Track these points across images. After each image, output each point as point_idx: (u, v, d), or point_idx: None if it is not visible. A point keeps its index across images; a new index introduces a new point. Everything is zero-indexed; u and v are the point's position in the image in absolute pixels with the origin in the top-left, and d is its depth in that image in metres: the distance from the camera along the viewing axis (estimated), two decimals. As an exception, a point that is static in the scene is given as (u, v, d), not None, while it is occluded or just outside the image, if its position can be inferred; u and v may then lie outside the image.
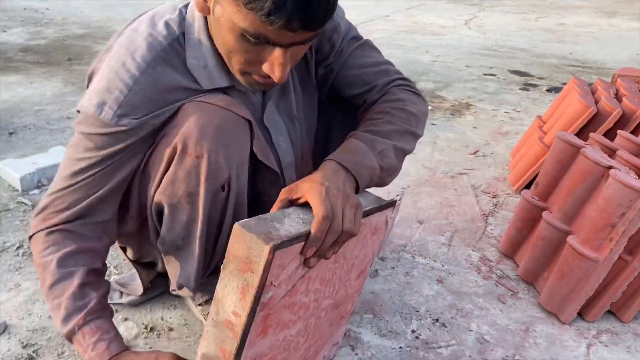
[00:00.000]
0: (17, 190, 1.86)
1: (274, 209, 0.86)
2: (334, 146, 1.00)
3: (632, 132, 1.75)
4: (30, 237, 1.01)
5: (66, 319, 0.93)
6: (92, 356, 0.90)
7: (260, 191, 1.11)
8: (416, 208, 1.84)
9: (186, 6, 0.97)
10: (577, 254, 1.28)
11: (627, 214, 1.21)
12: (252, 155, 1.01)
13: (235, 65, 0.90)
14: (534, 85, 3.40)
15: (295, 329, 0.94)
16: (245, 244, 0.75)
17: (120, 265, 1.49)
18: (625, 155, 1.37)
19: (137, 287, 1.30)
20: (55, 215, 0.98)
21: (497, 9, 6.82)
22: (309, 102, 1.16)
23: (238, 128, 0.95)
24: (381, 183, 1.01)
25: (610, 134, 1.71)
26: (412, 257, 1.57)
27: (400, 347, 1.23)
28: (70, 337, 0.94)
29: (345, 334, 1.16)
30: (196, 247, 1.02)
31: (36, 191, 1.86)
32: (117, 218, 1.06)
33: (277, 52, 0.82)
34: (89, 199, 0.97)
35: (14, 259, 1.49)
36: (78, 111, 0.95)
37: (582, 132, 1.82)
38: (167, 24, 0.94)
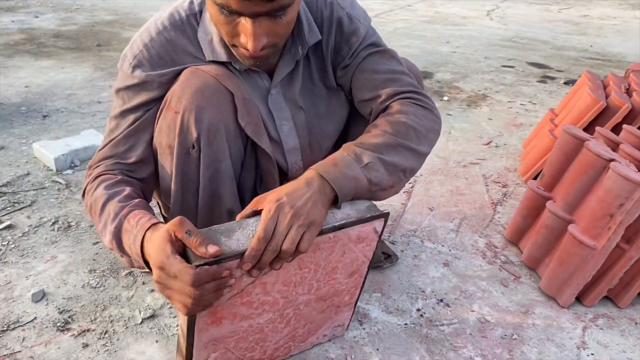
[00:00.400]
0: (51, 170, 1.98)
1: (238, 217, 0.91)
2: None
3: (640, 127, 1.80)
4: (83, 195, 1.09)
5: (114, 219, 0.96)
6: (137, 230, 0.92)
7: (263, 170, 1.19)
8: (427, 195, 1.92)
9: None
10: (577, 241, 1.35)
11: (625, 204, 1.28)
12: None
13: (224, 38, 0.99)
14: (552, 78, 3.43)
15: (264, 319, 1.03)
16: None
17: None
18: (627, 149, 1.43)
19: None
20: (98, 167, 1.09)
21: (521, -1, 6.79)
22: (326, 99, 1.21)
23: (217, 96, 1.02)
24: (374, 197, 1.02)
25: (619, 128, 1.76)
26: (421, 241, 1.65)
27: (405, 324, 1.32)
28: (118, 233, 0.96)
29: (354, 312, 1.25)
30: (175, 199, 1.10)
31: (69, 171, 1.98)
32: (152, 178, 1.14)
33: (246, 23, 0.91)
34: (124, 154, 1.09)
35: (50, 234, 1.61)
36: None
37: (592, 126, 1.87)
38: (191, 2, 1.09)
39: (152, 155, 1.11)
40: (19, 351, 1.18)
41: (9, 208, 1.72)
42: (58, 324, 1.26)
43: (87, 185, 1.07)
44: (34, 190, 1.84)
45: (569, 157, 1.50)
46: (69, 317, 1.29)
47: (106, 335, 1.24)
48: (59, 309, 1.32)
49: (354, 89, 1.17)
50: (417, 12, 5.64)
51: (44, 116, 2.47)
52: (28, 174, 1.95)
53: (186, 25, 1.08)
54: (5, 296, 1.35)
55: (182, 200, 1.11)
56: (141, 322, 1.28)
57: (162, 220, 1.09)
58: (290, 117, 1.18)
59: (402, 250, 1.60)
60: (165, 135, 1.05)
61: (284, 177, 1.26)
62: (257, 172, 1.21)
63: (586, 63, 3.84)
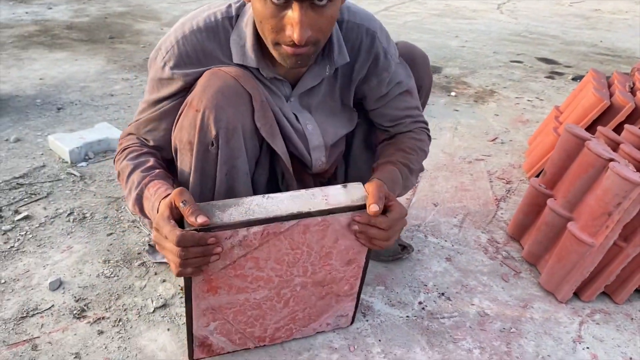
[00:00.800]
0: (66, 162, 2.04)
1: (371, 199, 1.02)
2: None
3: (643, 126, 1.82)
4: (114, 162, 1.22)
5: (137, 186, 1.09)
6: (155, 198, 1.04)
7: (281, 167, 1.26)
8: (432, 191, 1.96)
9: None
10: (576, 239, 1.39)
11: (622, 203, 1.31)
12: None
13: (267, 35, 1.02)
14: (560, 74, 3.44)
15: (260, 295, 1.11)
16: None
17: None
18: (627, 149, 1.47)
19: None
20: (126, 139, 1.23)
21: (532, -8, 6.76)
22: (339, 114, 1.30)
23: (236, 96, 1.08)
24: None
25: (623, 127, 1.79)
26: (425, 236, 1.70)
27: (407, 316, 1.37)
28: (140, 199, 1.09)
29: (357, 305, 1.30)
30: (193, 193, 1.16)
31: (84, 163, 2.04)
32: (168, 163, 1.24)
33: (294, 10, 0.94)
34: (145, 135, 1.20)
35: (66, 224, 1.67)
36: None
37: (596, 124, 1.90)
38: (229, 6, 1.15)
39: (168, 143, 1.19)
40: (38, 337, 1.24)
41: (26, 199, 1.78)
42: (74, 312, 1.32)
43: (117, 154, 1.21)
44: (49, 182, 1.90)
45: (570, 155, 1.53)
46: (84, 305, 1.35)
47: (120, 323, 1.30)
48: (75, 297, 1.38)
49: (374, 116, 1.34)
50: (428, 4, 5.65)
51: (59, 109, 2.53)
52: (44, 165, 2.01)
53: (220, 28, 1.13)
54: (24, 284, 1.41)
55: (200, 194, 1.17)
56: (153, 311, 1.34)
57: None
58: (312, 119, 1.26)
59: (406, 245, 1.64)
60: (186, 132, 1.11)
61: (303, 171, 1.33)
62: (270, 169, 1.28)
63: (595, 59, 3.84)
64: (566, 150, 1.54)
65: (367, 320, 1.35)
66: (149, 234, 1.63)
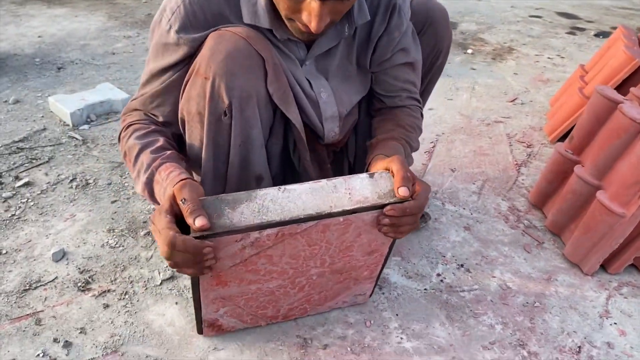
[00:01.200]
0: (67, 125, 1.96)
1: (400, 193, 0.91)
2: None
3: (676, 87, 1.71)
4: (118, 140, 1.12)
5: (147, 169, 0.99)
6: (167, 183, 0.94)
7: (295, 137, 1.17)
8: (449, 156, 1.87)
9: None
10: (605, 208, 1.31)
11: (658, 172, 1.23)
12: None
13: (282, 10, 0.95)
14: (582, 29, 3.28)
15: (274, 284, 1.03)
16: None
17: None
18: (663, 113, 1.37)
19: None
20: (131, 115, 1.12)
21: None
22: (354, 77, 1.20)
23: (249, 61, 0.98)
24: None
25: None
26: (442, 204, 1.62)
27: (425, 289, 1.31)
28: (150, 183, 0.99)
29: (376, 284, 1.23)
30: (206, 167, 1.09)
31: (86, 126, 1.96)
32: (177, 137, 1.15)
33: (314, 4, 0.87)
34: (152, 111, 1.10)
35: (68, 191, 1.60)
36: None
37: (625, 85, 1.79)
38: None
39: (177, 117, 1.10)
40: (42, 310, 1.19)
41: (26, 164, 1.71)
42: (79, 284, 1.27)
43: (122, 132, 1.10)
44: (50, 146, 1.83)
45: (600, 119, 1.44)
46: (89, 277, 1.29)
47: (126, 296, 1.24)
48: (79, 268, 1.32)
49: (373, 81, 1.24)
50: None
51: (59, 68, 2.43)
52: (44, 129, 1.93)
53: None
54: (26, 255, 1.35)
55: (214, 167, 1.10)
56: (160, 284, 1.28)
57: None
58: (328, 85, 1.16)
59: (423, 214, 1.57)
60: (194, 103, 1.02)
61: (315, 142, 1.25)
62: (284, 138, 1.19)
63: (618, 13, 3.66)
64: (596, 113, 1.44)
65: (383, 294, 1.29)
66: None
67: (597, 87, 1.45)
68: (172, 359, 1.09)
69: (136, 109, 1.13)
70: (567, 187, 1.47)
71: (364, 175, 0.93)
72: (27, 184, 1.62)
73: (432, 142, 1.94)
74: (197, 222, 0.80)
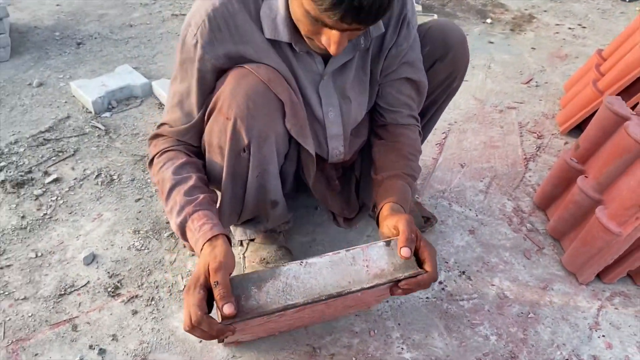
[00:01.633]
0: (90, 113, 2.03)
1: (402, 242, 0.98)
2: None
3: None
4: (150, 163, 1.19)
5: (180, 211, 1.06)
6: (199, 236, 1.02)
7: (304, 161, 1.24)
8: (460, 148, 1.92)
9: None
10: (603, 226, 1.37)
11: (656, 198, 1.27)
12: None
13: (302, 30, 1.00)
14: (608, -8, 3.18)
15: (282, 323, 1.12)
16: None
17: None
18: (669, 133, 1.39)
19: None
20: (164, 141, 1.18)
21: None
22: (368, 90, 1.25)
23: (267, 104, 1.05)
24: None
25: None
26: (449, 204, 1.69)
27: (427, 298, 1.41)
28: (183, 226, 1.06)
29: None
30: (225, 189, 1.17)
31: (107, 114, 2.03)
32: None
33: (334, 33, 0.93)
34: (185, 126, 1.15)
35: (94, 188, 1.70)
36: None
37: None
38: None
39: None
40: (77, 316, 1.32)
41: (54, 158, 1.81)
42: (109, 289, 1.39)
43: (154, 157, 1.17)
44: (75, 136, 1.91)
45: (606, 133, 1.47)
46: (118, 282, 1.41)
47: (152, 302, 1.36)
48: (109, 272, 1.44)
49: (378, 95, 1.28)
50: None
51: (78, 44, 2.47)
52: (68, 116, 2.01)
53: (248, 0, 1.05)
54: (60, 258, 1.47)
55: (232, 191, 1.18)
56: (183, 289, 1.40)
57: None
58: (337, 104, 1.22)
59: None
60: (216, 137, 1.09)
61: (323, 161, 1.31)
62: (298, 160, 1.26)
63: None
64: (603, 127, 1.47)
65: (387, 301, 1.39)
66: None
67: (606, 100, 1.47)
68: (196, 367, 1.23)
69: (170, 136, 1.17)
70: (569, 197, 1.52)
71: (381, 244, 1.02)
72: (55, 180, 1.72)
73: (444, 133, 1.98)
74: (226, 310, 0.89)
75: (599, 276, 1.48)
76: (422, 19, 2.47)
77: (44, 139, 1.89)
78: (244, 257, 1.43)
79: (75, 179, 1.73)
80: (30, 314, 1.32)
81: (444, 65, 1.29)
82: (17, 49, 2.42)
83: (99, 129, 1.95)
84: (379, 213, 1.14)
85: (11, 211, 1.60)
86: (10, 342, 1.26)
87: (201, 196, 1.08)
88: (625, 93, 1.82)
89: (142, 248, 1.51)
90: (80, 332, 1.29)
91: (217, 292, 0.91)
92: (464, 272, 1.48)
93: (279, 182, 1.22)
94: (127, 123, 1.99)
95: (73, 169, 1.77)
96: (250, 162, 1.11)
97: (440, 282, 1.45)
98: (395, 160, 1.23)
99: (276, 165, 1.17)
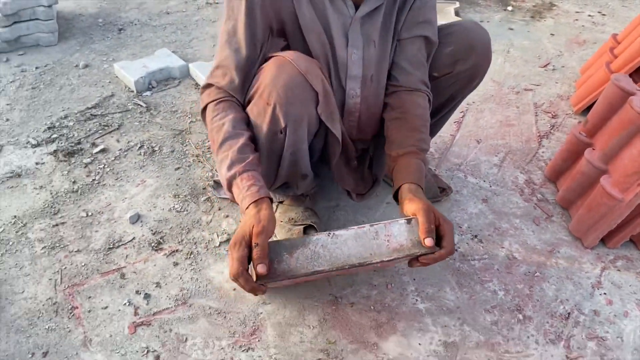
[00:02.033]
0: (132, 92, 2.20)
1: (422, 232, 1.13)
2: None
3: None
4: (203, 110, 1.29)
5: (230, 166, 1.17)
6: (246, 195, 1.15)
7: (330, 139, 1.37)
8: (477, 126, 2.03)
9: None
10: (606, 193, 1.47)
11: (655, 165, 1.37)
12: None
13: None
14: (630, -20, 3.23)
15: (308, 281, 1.28)
16: None
17: (220, 169, 1.83)
18: (671, 106, 1.48)
19: None
20: (217, 91, 1.26)
21: None
22: (392, 40, 1.35)
23: (303, 94, 1.18)
24: None
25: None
26: (465, 176, 1.81)
27: (441, 257, 1.53)
28: (231, 181, 1.18)
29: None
30: (262, 153, 1.29)
31: (148, 93, 2.19)
32: None
33: None
34: (235, 71, 1.24)
35: (138, 157, 1.87)
36: None
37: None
38: None
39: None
40: (124, 266, 1.48)
41: (100, 131, 1.98)
42: (152, 244, 1.55)
43: (208, 105, 1.26)
44: (119, 112, 2.08)
45: (613, 108, 1.56)
46: (160, 238, 1.57)
47: (191, 256, 1.52)
48: (152, 230, 1.60)
49: (397, 52, 1.36)
50: None
51: (120, 29, 2.65)
52: (112, 95, 2.18)
53: None
54: (108, 217, 1.64)
55: (267, 165, 1.32)
56: (219, 245, 1.55)
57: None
58: (361, 47, 1.32)
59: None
60: (256, 115, 1.23)
61: (341, 102, 1.41)
62: (325, 138, 1.38)
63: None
64: (610, 102, 1.57)
65: (404, 260, 1.52)
66: (212, 169, 1.81)
67: (613, 77, 1.57)
68: (230, 311, 1.37)
69: (222, 85, 1.25)
70: (577, 168, 1.62)
71: (402, 221, 1.16)
72: (102, 151, 1.88)
73: (462, 112, 2.09)
74: (259, 269, 1.07)
75: (603, 241, 1.58)
76: (444, 7, 2.58)
77: (91, 114, 2.06)
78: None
79: (120, 150, 1.89)
80: (83, 264, 1.48)
81: (466, 66, 1.38)
82: (63, 34, 2.61)
83: (141, 106, 2.11)
84: (397, 190, 1.26)
85: (63, 177, 1.77)
86: (66, 286, 1.42)
87: (251, 156, 1.19)
88: (637, 74, 1.90)
89: (182, 210, 1.66)
90: (127, 279, 1.45)
91: (255, 253, 1.08)
92: (476, 236, 1.60)
93: (308, 158, 1.36)
94: (167, 101, 2.15)
95: (118, 141, 1.94)
96: (286, 142, 1.25)
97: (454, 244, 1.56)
98: (408, 135, 1.33)
99: (306, 145, 1.31)
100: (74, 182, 1.75)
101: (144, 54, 2.44)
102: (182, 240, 1.56)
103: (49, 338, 1.29)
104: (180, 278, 1.45)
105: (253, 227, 1.10)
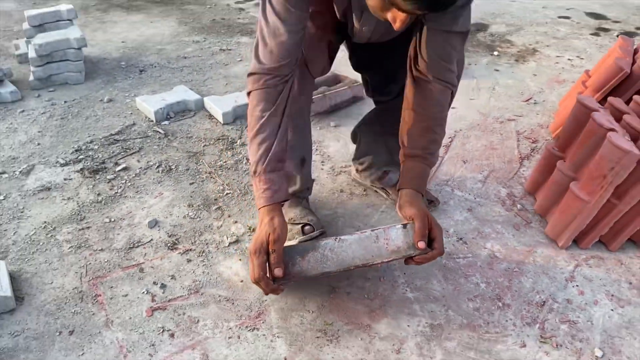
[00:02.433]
0: (152, 121, 2.43)
1: (418, 233, 1.34)
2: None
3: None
4: (248, 93, 1.40)
5: (256, 162, 1.37)
6: (260, 195, 1.37)
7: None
8: (463, 149, 2.23)
9: None
10: (575, 196, 1.64)
11: (615, 168, 1.55)
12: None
13: (370, 5, 1.15)
14: (606, 30, 3.51)
15: None
16: None
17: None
18: (628, 119, 1.68)
19: None
20: (261, 77, 1.36)
21: None
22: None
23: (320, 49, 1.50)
24: None
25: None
26: (452, 190, 1.99)
27: (429, 256, 1.69)
28: (253, 174, 1.39)
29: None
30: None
31: (166, 122, 2.42)
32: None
33: (403, 15, 1.07)
34: (278, 58, 1.33)
35: (156, 175, 2.06)
36: None
37: (619, 91, 2.08)
38: None
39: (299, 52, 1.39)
40: (143, 263, 1.65)
41: (122, 153, 2.19)
42: (168, 244, 1.72)
43: (252, 91, 1.38)
44: (140, 138, 2.30)
45: (580, 123, 1.76)
46: (175, 240, 1.74)
47: (203, 254, 1.68)
48: (168, 233, 1.77)
49: (428, 39, 1.38)
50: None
51: (141, 71, 2.92)
52: (134, 124, 2.41)
53: None
54: (129, 222, 1.82)
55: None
56: (228, 245, 1.72)
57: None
58: (374, 25, 1.42)
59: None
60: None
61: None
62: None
63: (648, 12, 3.84)
64: (577, 118, 1.77)
65: (396, 258, 1.68)
66: (223, 184, 2.00)
67: (578, 97, 1.78)
68: (237, 298, 1.52)
69: (265, 74, 1.34)
70: (551, 178, 1.80)
71: (399, 226, 1.38)
72: (124, 169, 2.09)
73: (450, 138, 2.30)
74: (276, 273, 1.31)
75: (576, 242, 1.74)
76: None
77: (114, 139, 2.28)
78: None
79: (140, 168, 2.10)
80: (106, 260, 1.65)
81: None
82: (90, 75, 2.87)
83: (160, 132, 2.33)
84: (399, 190, 1.45)
85: (89, 190, 1.97)
86: (90, 278, 1.59)
87: (274, 158, 1.36)
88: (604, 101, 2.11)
89: (195, 217, 1.84)
90: (146, 273, 1.61)
91: (272, 258, 1.30)
92: (461, 239, 1.76)
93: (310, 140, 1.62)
94: (183, 129, 2.38)
95: (138, 161, 2.14)
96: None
97: (441, 245, 1.73)
98: (421, 135, 1.44)
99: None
100: (99, 194, 1.94)
101: (162, 90, 2.68)
102: (195, 242, 1.73)
103: (75, 320, 1.45)
104: (193, 272, 1.62)
105: (269, 235, 1.31)
